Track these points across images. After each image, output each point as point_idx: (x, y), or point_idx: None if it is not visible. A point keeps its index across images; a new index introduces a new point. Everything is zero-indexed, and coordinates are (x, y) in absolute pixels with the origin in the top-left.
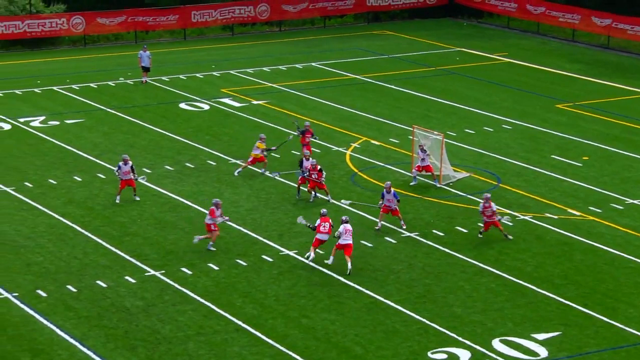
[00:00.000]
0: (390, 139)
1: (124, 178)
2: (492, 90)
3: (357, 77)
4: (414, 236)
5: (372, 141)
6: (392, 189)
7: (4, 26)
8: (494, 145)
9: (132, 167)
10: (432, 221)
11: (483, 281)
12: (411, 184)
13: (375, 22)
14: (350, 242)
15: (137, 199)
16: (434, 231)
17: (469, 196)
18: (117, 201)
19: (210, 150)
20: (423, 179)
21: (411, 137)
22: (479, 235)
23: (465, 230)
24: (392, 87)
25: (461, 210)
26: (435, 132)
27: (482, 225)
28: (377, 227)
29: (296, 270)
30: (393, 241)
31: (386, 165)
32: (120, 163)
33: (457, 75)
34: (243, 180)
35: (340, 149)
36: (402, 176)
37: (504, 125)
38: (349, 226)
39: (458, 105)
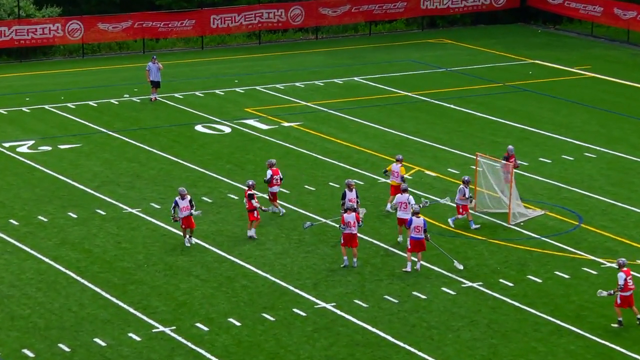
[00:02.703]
0: (449, 169)
1: (183, 215)
2: (572, 110)
3: (409, 94)
4: (477, 286)
5: (427, 172)
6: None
7: None
8: (574, 177)
9: (190, 201)
10: (498, 268)
11: (561, 342)
12: (473, 227)
13: (431, 29)
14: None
15: (191, 243)
16: (502, 280)
17: (543, 239)
18: (187, 244)
19: (231, 182)
20: (489, 217)
21: (474, 167)
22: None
23: (539, 280)
24: (451, 106)
25: (534, 256)
26: (503, 161)
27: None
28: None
29: (334, 327)
30: (452, 292)
31: (441, 201)
32: (177, 198)
33: (529, 93)
34: (270, 218)
35: (388, 181)
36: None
37: (586, 153)
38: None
39: (530, 128)
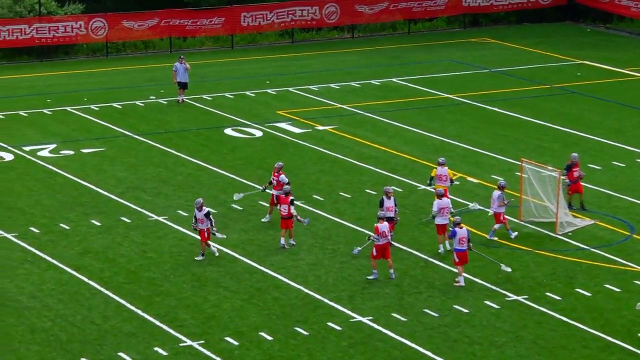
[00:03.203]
0: (492, 176)
1: (202, 228)
2: (624, 114)
3: (450, 96)
4: (522, 300)
5: (469, 178)
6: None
7: (8, 31)
8: (625, 184)
9: (207, 214)
10: (545, 281)
11: (611, 359)
12: (512, 236)
13: (473, 27)
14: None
15: (214, 254)
16: (548, 294)
17: (593, 250)
18: (216, 254)
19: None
20: (535, 227)
21: (519, 174)
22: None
23: (588, 294)
24: (495, 109)
25: (583, 267)
26: (550, 168)
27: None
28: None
29: (371, 342)
30: (495, 306)
31: (486, 209)
32: (195, 210)
33: (578, 95)
34: (304, 227)
35: (428, 188)
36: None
37: (639, 160)
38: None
39: (579, 133)
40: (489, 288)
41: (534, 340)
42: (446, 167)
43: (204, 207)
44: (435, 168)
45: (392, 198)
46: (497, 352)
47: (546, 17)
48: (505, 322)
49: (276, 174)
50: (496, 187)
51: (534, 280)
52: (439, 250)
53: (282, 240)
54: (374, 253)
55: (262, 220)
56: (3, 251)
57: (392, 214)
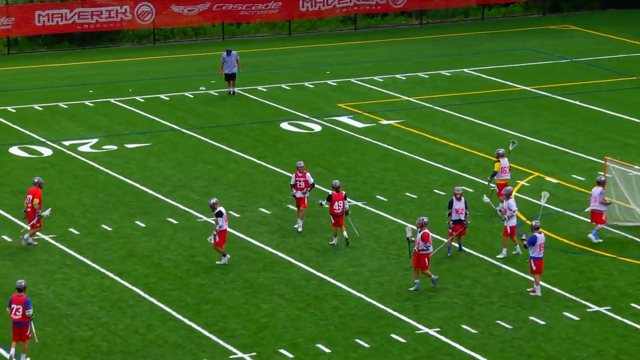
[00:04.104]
0: (574, 176)
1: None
2: None
3: (527, 88)
4: (605, 311)
5: (548, 178)
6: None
7: (47, 16)
8: None
9: (218, 213)
10: (630, 291)
11: None
12: (594, 240)
13: (553, 14)
14: None
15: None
16: (633, 305)
17: None
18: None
19: (321, 188)
20: (619, 231)
21: (603, 174)
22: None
23: None
24: (577, 103)
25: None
26: (637, 167)
27: None
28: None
29: (438, 356)
30: (575, 317)
31: (566, 212)
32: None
33: None
34: (366, 230)
35: (493, 186)
36: (586, 228)
37: None
38: None
39: None
40: (568, 298)
41: (616, 356)
42: (506, 158)
43: (217, 207)
44: (498, 161)
45: (462, 199)
46: None
47: (634, 3)
48: (585, 335)
49: (300, 174)
50: (595, 184)
51: (617, 289)
52: (501, 255)
53: (336, 240)
54: (412, 261)
55: (296, 227)
56: (40, 254)
57: (462, 217)
